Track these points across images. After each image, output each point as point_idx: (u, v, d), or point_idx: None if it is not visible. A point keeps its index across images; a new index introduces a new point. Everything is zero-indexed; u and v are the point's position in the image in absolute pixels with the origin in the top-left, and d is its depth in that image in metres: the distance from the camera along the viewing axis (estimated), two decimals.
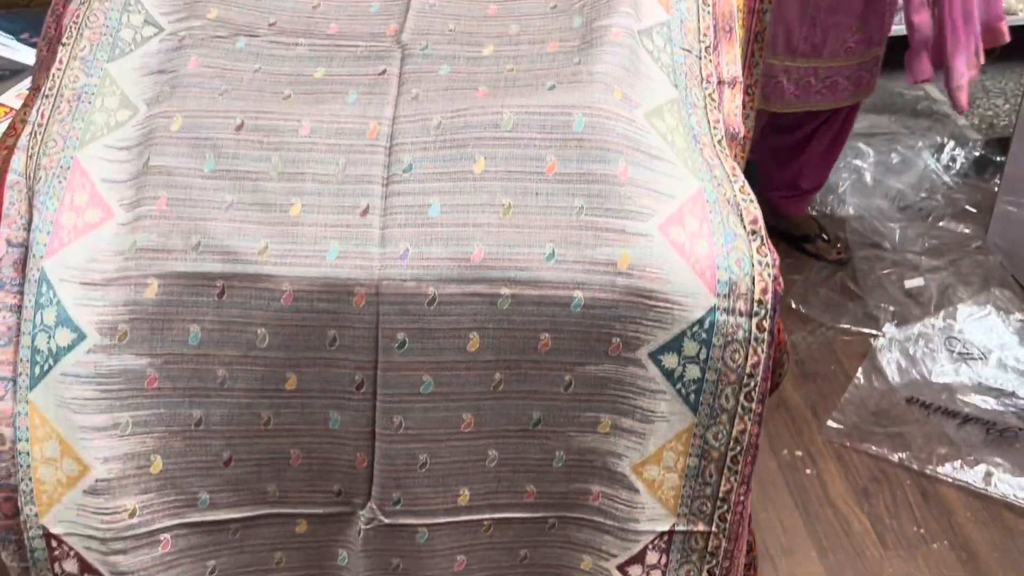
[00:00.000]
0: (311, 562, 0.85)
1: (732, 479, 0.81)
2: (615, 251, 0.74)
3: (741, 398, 0.78)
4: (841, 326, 1.72)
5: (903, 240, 1.94)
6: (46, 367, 0.74)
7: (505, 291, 0.74)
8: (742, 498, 0.83)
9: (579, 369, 0.77)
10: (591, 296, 0.74)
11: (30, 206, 0.80)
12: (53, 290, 0.75)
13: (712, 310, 0.75)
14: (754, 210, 0.79)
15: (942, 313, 1.71)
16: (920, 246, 1.92)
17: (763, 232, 0.78)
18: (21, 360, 0.76)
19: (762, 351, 0.77)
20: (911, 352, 1.64)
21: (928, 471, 1.43)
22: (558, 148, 0.76)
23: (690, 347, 0.76)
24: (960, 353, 1.63)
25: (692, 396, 0.77)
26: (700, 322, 0.75)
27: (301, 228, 0.75)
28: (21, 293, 0.78)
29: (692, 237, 0.76)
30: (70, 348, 0.74)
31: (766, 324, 0.76)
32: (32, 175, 0.80)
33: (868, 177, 2.14)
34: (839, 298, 1.79)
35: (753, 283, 0.76)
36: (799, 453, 1.47)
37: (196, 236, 0.75)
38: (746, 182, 0.81)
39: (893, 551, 1.31)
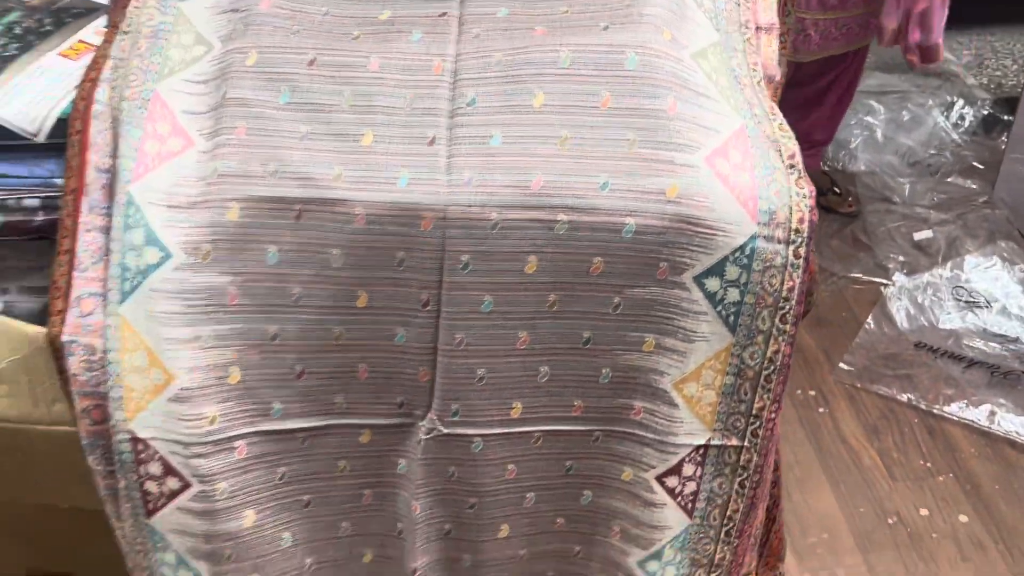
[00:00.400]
0: (372, 470, 0.91)
1: (765, 397, 0.88)
2: (664, 181, 0.80)
3: (776, 320, 0.84)
4: (852, 275, 1.79)
5: (912, 195, 2.01)
6: (135, 283, 0.80)
7: (562, 217, 0.80)
8: (773, 415, 0.89)
9: (628, 291, 0.83)
10: (642, 223, 0.80)
11: (115, 135, 0.85)
12: (141, 212, 0.81)
13: (753, 237, 0.81)
14: (792, 146, 0.85)
15: (949, 264, 1.78)
16: (929, 200, 1.98)
17: (800, 167, 0.84)
18: (111, 277, 0.81)
19: (797, 276, 0.83)
20: (919, 300, 1.70)
21: (935, 410, 1.50)
22: (612, 84, 0.82)
23: (731, 271, 0.82)
24: (966, 301, 1.70)
25: (731, 318, 0.84)
26: (741, 248, 0.81)
27: (373, 156, 0.81)
28: (109, 215, 0.84)
29: (735, 169, 0.81)
30: (157, 266, 0.80)
31: (802, 251, 0.83)
32: (116, 106, 0.86)
33: (879, 134, 2.19)
34: (850, 249, 1.85)
35: (791, 213, 0.82)
36: (812, 393, 1.54)
37: (274, 163, 0.81)
38: (784, 120, 0.87)
39: (901, 483, 1.39)
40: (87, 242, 0.84)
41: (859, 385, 1.55)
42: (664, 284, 0.83)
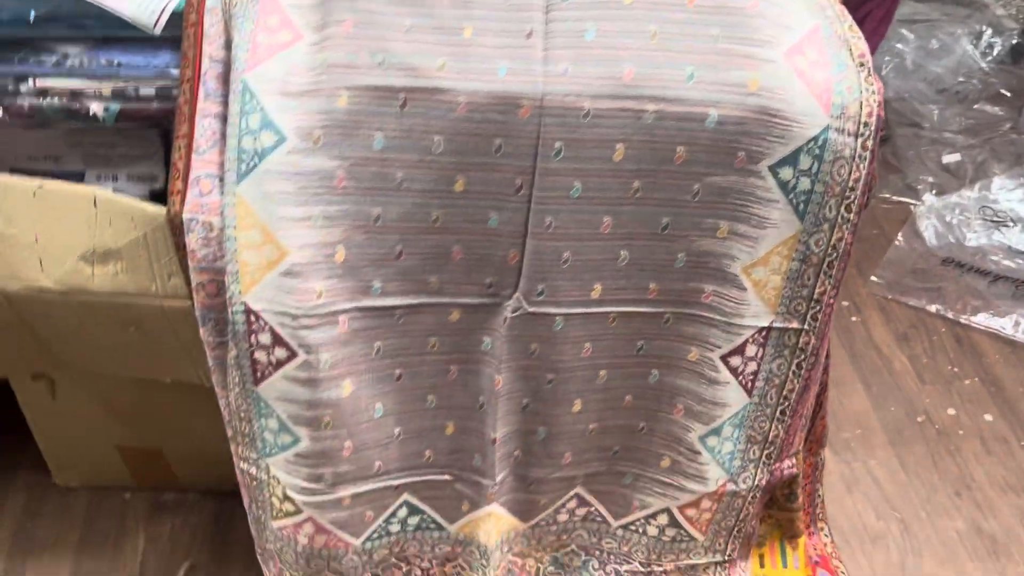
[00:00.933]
0: (459, 347, 0.99)
1: (826, 282, 0.95)
2: (746, 74, 0.86)
3: (842, 209, 0.91)
4: (882, 196, 1.85)
5: (941, 120, 2.05)
6: (252, 164, 0.86)
7: (650, 107, 0.86)
8: (832, 301, 0.97)
9: (707, 179, 0.90)
10: (724, 113, 0.86)
11: (227, 27, 0.91)
12: (256, 99, 0.86)
13: (826, 129, 0.87)
14: (862, 45, 0.90)
15: (977, 185, 1.83)
16: (957, 126, 2.03)
17: (870, 64, 0.90)
18: (228, 159, 0.87)
19: (863, 168, 0.90)
20: (947, 219, 1.76)
21: (962, 320, 1.58)
22: None
23: (804, 161, 0.88)
24: (993, 221, 1.76)
25: (801, 206, 0.90)
26: (815, 139, 0.87)
27: (474, 48, 0.86)
28: (224, 103, 0.90)
29: (811, 65, 0.87)
30: (273, 148, 0.86)
31: (869, 144, 0.89)
32: (228, 1, 0.91)
33: (908, 61, 2.23)
34: (881, 171, 1.91)
35: (861, 107, 0.88)
36: (846, 303, 1.62)
37: (380, 54, 0.86)
38: (853, 22, 0.93)
39: (930, 385, 1.47)
40: (204, 127, 0.90)
41: (889, 296, 1.63)
42: (741, 172, 0.89)
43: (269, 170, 0.86)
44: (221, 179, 0.89)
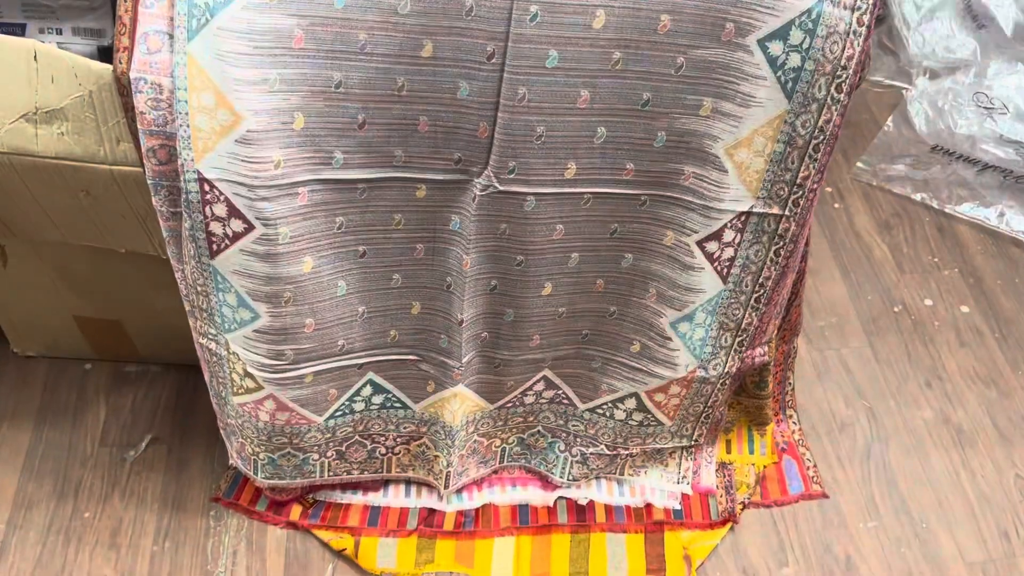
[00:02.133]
0: (426, 225, 0.95)
1: (811, 167, 0.91)
2: None
3: (832, 89, 0.86)
4: (874, 79, 1.79)
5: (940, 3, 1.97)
6: (203, 20, 0.80)
7: None
8: (815, 186, 0.93)
9: (692, 52, 0.84)
10: None
11: None
12: None
13: (820, 1, 0.81)
14: None
15: (973, 70, 1.77)
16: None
17: None
18: (178, 14, 0.81)
19: (858, 45, 0.84)
20: (939, 104, 1.71)
21: (946, 209, 1.55)
22: None
23: (795, 35, 0.83)
24: (986, 108, 1.71)
25: (789, 84, 0.85)
26: (808, 12, 0.81)
27: None
28: None
29: None
30: (226, 3, 0.79)
31: (865, 19, 0.83)
32: None
33: None
34: (875, 52, 1.84)
35: None
36: (828, 189, 1.58)
37: None
38: None
39: (908, 274, 1.45)
40: None
41: (874, 183, 1.59)
42: (728, 46, 0.83)
43: (222, 27, 0.80)
44: (171, 36, 0.82)
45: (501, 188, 0.91)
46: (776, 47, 0.83)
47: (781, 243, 0.96)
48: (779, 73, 0.85)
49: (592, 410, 1.13)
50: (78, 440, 1.21)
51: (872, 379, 1.32)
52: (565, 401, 1.13)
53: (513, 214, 0.93)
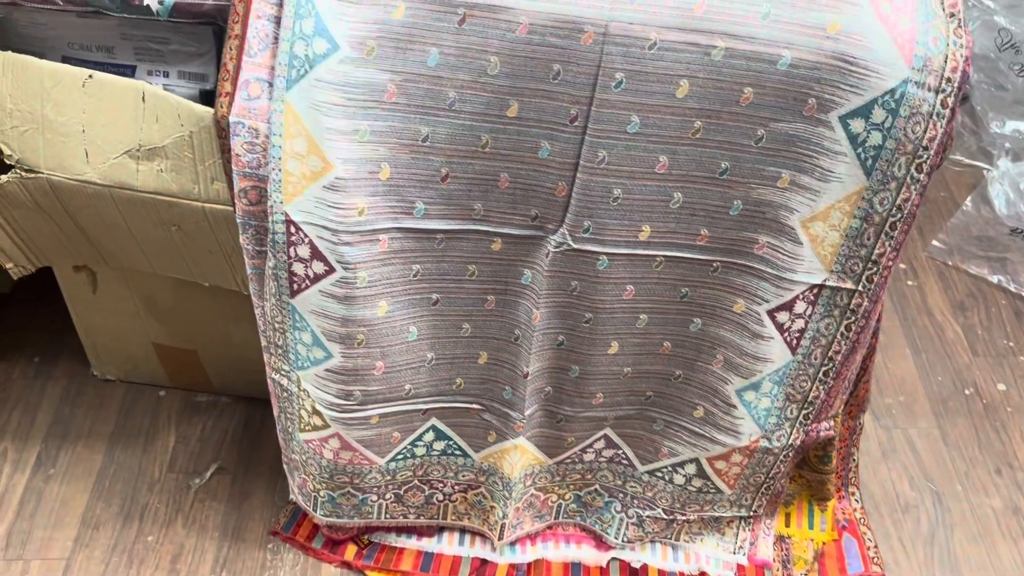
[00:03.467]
0: (499, 277, 0.97)
1: (887, 244, 0.91)
2: (826, 16, 0.81)
3: (912, 168, 0.86)
4: (955, 157, 1.77)
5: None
6: (302, 71, 0.84)
7: (720, 43, 0.81)
8: (891, 263, 0.92)
9: (773, 125, 0.85)
10: (797, 56, 0.81)
11: None
12: (312, 3, 0.83)
13: (905, 82, 0.82)
14: None
15: None
16: None
17: (961, 16, 0.84)
18: (279, 64, 0.85)
19: (940, 126, 0.84)
20: (1021, 187, 1.69)
21: None
22: None
23: (878, 114, 0.83)
24: None
25: (869, 161, 0.86)
26: (892, 91, 0.82)
27: None
28: (279, 4, 0.87)
29: (897, 12, 0.82)
30: (324, 56, 0.83)
31: (949, 101, 0.84)
32: None
33: (997, 18, 2.12)
34: (956, 131, 1.82)
35: (945, 61, 0.82)
36: (903, 266, 1.56)
37: None
38: None
39: (982, 357, 1.42)
40: (257, 28, 0.87)
41: (950, 263, 1.57)
42: (809, 120, 0.85)
43: (320, 79, 0.84)
44: (271, 84, 0.86)
45: (575, 246, 0.93)
46: (858, 124, 0.84)
47: (853, 318, 0.96)
48: (859, 150, 0.85)
49: (651, 472, 1.13)
50: (147, 464, 1.25)
51: (939, 462, 1.29)
52: (624, 461, 1.13)
53: (585, 272, 0.95)
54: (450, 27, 0.83)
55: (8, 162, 0.95)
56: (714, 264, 0.95)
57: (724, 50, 0.82)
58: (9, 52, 0.93)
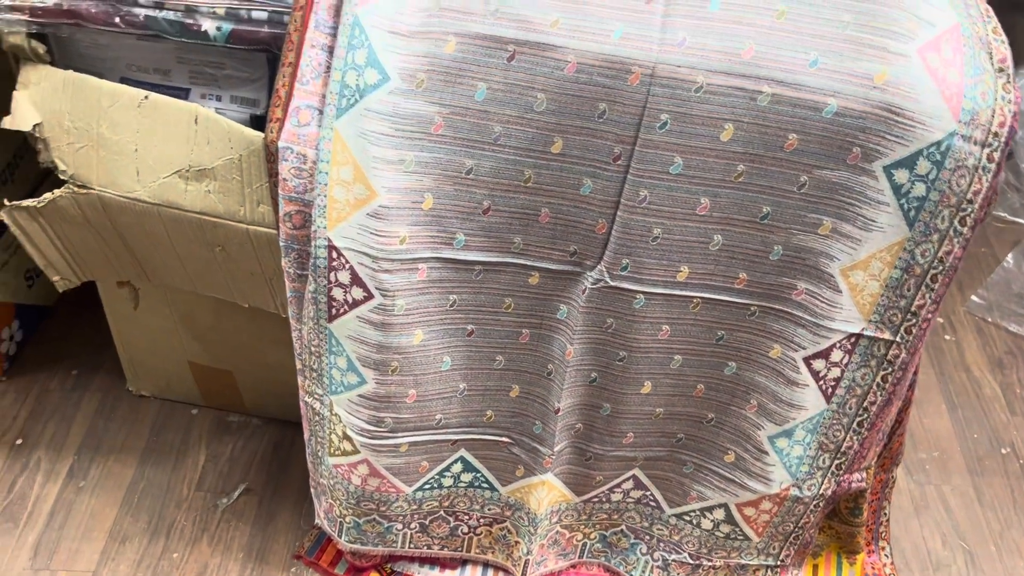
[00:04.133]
0: (535, 311, 0.97)
1: (927, 296, 0.90)
2: (874, 66, 0.81)
3: (955, 221, 0.86)
4: (997, 213, 1.76)
5: None
6: (352, 100, 0.85)
7: (766, 89, 0.82)
8: (930, 316, 0.92)
9: (816, 172, 0.85)
10: (844, 105, 0.82)
11: None
12: (365, 34, 0.85)
13: (951, 135, 0.82)
14: (1004, 50, 0.85)
15: None
16: None
17: (1010, 71, 0.84)
18: (330, 92, 0.87)
19: (986, 180, 0.84)
20: None
21: None
22: None
23: (923, 166, 0.83)
24: None
25: (912, 212, 0.86)
26: (938, 144, 0.82)
27: (590, 7, 0.83)
28: (333, 35, 0.89)
29: (945, 64, 0.82)
30: (375, 87, 0.85)
31: (995, 156, 0.83)
32: None
33: None
34: (1000, 187, 1.81)
35: (993, 116, 0.82)
36: (940, 320, 1.55)
37: (494, 3, 0.84)
38: (998, 23, 0.86)
39: (1020, 416, 1.40)
40: (310, 57, 0.89)
41: (989, 319, 1.55)
42: (853, 169, 0.85)
43: (369, 108, 0.85)
44: (321, 111, 0.88)
45: (612, 283, 0.93)
46: (902, 175, 0.84)
47: (890, 369, 0.95)
48: (902, 201, 0.85)
49: (679, 516, 1.12)
50: (176, 482, 1.26)
51: (973, 521, 1.27)
52: (652, 503, 1.12)
53: (621, 310, 0.95)
54: (499, 63, 0.84)
55: (62, 177, 0.98)
56: (751, 308, 0.94)
57: (771, 96, 0.82)
58: (70, 71, 0.96)
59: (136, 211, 0.97)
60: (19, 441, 1.29)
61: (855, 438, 1.00)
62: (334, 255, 0.90)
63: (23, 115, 0.95)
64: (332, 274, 0.91)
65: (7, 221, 1.02)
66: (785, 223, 0.89)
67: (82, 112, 0.95)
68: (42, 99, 0.95)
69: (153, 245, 1.03)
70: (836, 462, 1.02)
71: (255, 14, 0.94)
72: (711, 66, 0.82)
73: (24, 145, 1.29)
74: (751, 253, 0.91)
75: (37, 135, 0.96)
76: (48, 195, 0.98)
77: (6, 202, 1.01)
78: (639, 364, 0.99)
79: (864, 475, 1.07)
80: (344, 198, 0.88)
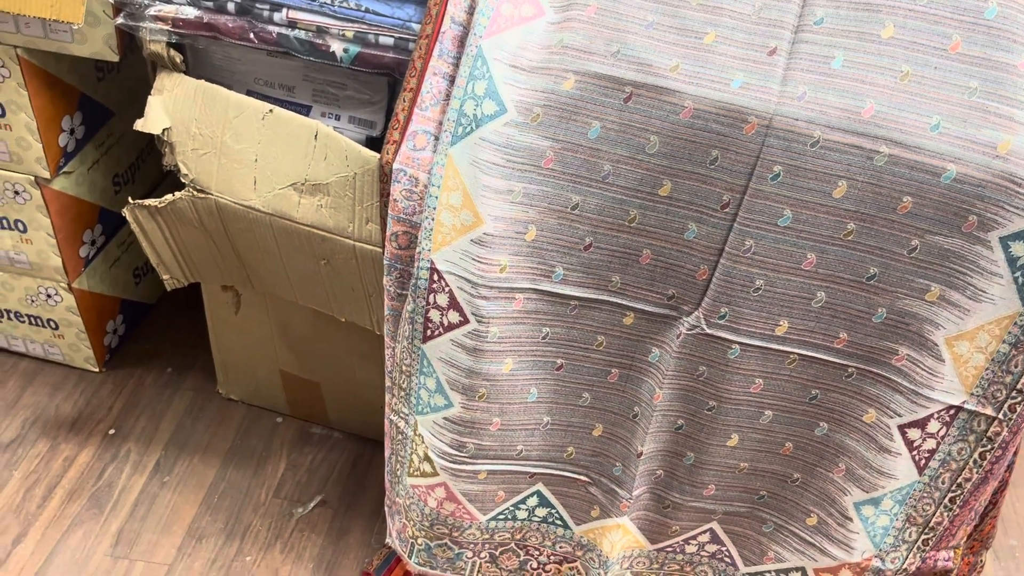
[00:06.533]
0: (626, 352, 0.97)
1: None
2: (998, 135, 0.80)
3: None
4: None
5: None
6: (468, 129, 0.88)
7: (884, 149, 0.81)
8: None
9: (928, 236, 0.84)
10: (963, 172, 0.80)
11: None
12: (487, 66, 0.88)
13: None
14: None
15: None
16: None
17: None
18: (447, 120, 0.89)
19: None
20: None
21: None
22: (966, 30, 0.81)
23: None
24: None
25: None
26: None
27: (711, 55, 0.84)
28: (455, 64, 0.91)
29: None
30: (492, 117, 0.87)
31: None
32: None
33: None
34: None
35: None
36: None
37: (616, 44, 0.85)
38: None
39: None
40: (431, 85, 0.92)
41: None
42: (968, 238, 0.83)
43: (483, 138, 0.87)
44: (437, 137, 0.91)
45: (708, 331, 0.92)
46: (1019, 248, 0.82)
47: (989, 446, 0.92)
48: (1017, 274, 0.83)
49: (753, 575, 1.09)
50: (255, 487, 1.29)
51: None
52: (727, 559, 1.10)
53: (715, 359, 0.94)
54: (616, 103, 0.85)
55: (183, 180, 1.02)
56: (849, 369, 0.93)
57: (888, 156, 0.81)
58: (202, 80, 1.00)
59: (249, 219, 1.01)
60: (112, 431, 1.34)
61: (945, 514, 0.97)
62: (435, 277, 0.92)
63: (155, 119, 1.00)
64: (431, 296, 0.93)
65: (128, 218, 1.07)
66: (892, 286, 0.87)
67: (209, 120, 0.99)
68: (174, 105, 1.00)
69: (261, 253, 1.06)
70: (923, 537, 0.99)
71: (382, 39, 0.97)
72: (830, 122, 0.82)
73: (147, 147, 1.36)
74: (854, 313, 0.89)
75: (165, 139, 1.01)
76: (169, 196, 1.03)
77: (130, 200, 1.06)
78: (728, 416, 0.97)
79: (952, 555, 1.03)
80: (451, 223, 0.90)
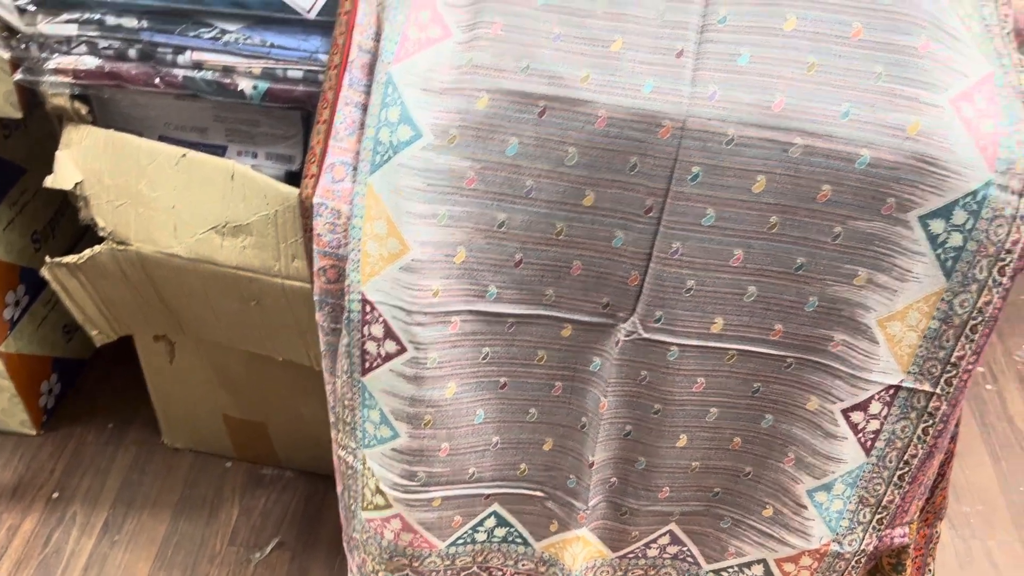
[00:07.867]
0: (568, 364, 0.97)
1: (967, 347, 0.88)
2: (907, 117, 0.81)
3: (994, 271, 0.85)
4: None
5: None
6: (386, 156, 0.87)
7: (798, 140, 0.82)
8: (970, 367, 0.90)
9: (850, 223, 0.85)
10: (877, 156, 0.81)
11: (380, 18, 0.91)
12: (398, 92, 0.87)
13: (987, 184, 0.81)
14: None
15: None
16: None
17: None
18: (364, 149, 0.88)
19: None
20: None
21: None
22: (866, 16, 0.83)
23: (959, 216, 0.82)
24: None
25: (949, 262, 0.85)
26: (973, 194, 0.81)
27: (620, 63, 0.84)
28: (367, 93, 0.90)
29: (979, 115, 0.82)
30: (408, 143, 0.86)
31: None
32: None
33: None
34: None
35: None
36: (981, 370, 1.52)
37: (525, 60, 0.85)
38: None
39: None
40: (344, 115, 0.90)
41: None
42: (888, 220, 0.84)
43: (402, 164, 0.86)
44: (355, 168, 0.89)
45: (645, 335, 0.92)
46: (937, 225, 0.83)
47: (930, 421, 0.93)
48: (939, 251, 0.84)
49: (716, 572, 1.10)
50: (209, 536, 1.26)
51: (1020, 575, 1.24)
52: (689, 559, 1.10)
53: (655, 362, 0.94)
54: (530, 118, 0.85)
55: (101, 234, 0.99)
56: (788, 360, 0.93)
57: (803, 147, 0.82)
58: (111, 130, 0.98)
59: (173, 266, 0.99)
60: (55, 494, 1.30)
61: (896, 492, 0.98)
62: (367, 309, 0.91)
63: (65, 174, 0.97)
64: (365, 328, 0.91)
65: (48, 277, 1.04)
66: (820, 274, 0.88)
67: (122, 170, 0.97)
68: (83, 158, 0.98)
69: (189, 299, 1.04)
70: (877, 517, 1.00)
71: (291, 73, 0.95)
72: (742, 118, 0.82)
73: (65, 203, 1.32)
74: (786, 304, 0.90)
75: (78, 193, 0.98)
76: (88, 251, 1.00)
77: (47, 259, 1.03)
78: (674, 417, 0.98)
79: (907, 530, 1.04)
80: (378, 252, 0.89)
